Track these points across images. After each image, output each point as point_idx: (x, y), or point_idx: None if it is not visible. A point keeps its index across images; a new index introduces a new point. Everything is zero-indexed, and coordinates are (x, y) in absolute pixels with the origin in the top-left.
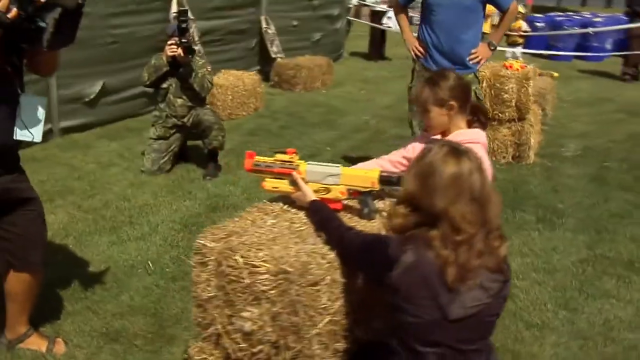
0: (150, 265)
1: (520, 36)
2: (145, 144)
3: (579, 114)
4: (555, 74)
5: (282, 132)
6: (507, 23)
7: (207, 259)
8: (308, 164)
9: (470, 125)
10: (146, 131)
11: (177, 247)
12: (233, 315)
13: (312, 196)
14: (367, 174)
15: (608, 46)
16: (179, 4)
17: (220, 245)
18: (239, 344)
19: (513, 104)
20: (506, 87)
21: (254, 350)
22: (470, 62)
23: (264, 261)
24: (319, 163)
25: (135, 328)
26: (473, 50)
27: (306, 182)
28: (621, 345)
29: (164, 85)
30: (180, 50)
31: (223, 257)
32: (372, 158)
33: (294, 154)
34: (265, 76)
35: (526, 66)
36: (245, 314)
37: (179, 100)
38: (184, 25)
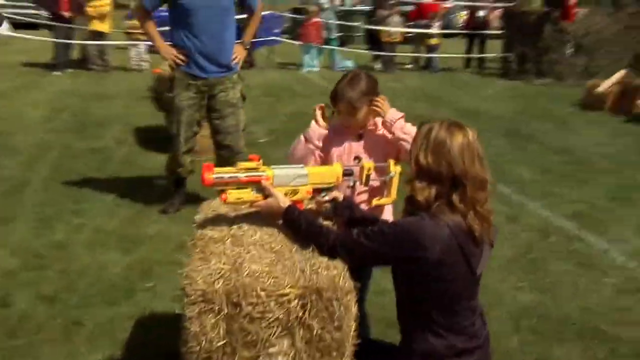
0: None
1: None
2: None
3: None
4: None
5: None
6: (256, 22)
7: (213, 304)
8: (274, 168)
9: None
10: None
11: None
12: (257, 355)
13: (287, 201)
14: (331, 169)
15: None
16: None
17: (225, 286)
18: None
19: None
20: None
21: None
22: (233, 63)
23: (291, 287)
24: (283, 166)
25: None
26: (233, 51)
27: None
28: None
29: None
30: None
31: (239, 297)
32: (91, 177)
33: (259, 161)
34: None
35: None
36: (273, 350)
37: None
38: None
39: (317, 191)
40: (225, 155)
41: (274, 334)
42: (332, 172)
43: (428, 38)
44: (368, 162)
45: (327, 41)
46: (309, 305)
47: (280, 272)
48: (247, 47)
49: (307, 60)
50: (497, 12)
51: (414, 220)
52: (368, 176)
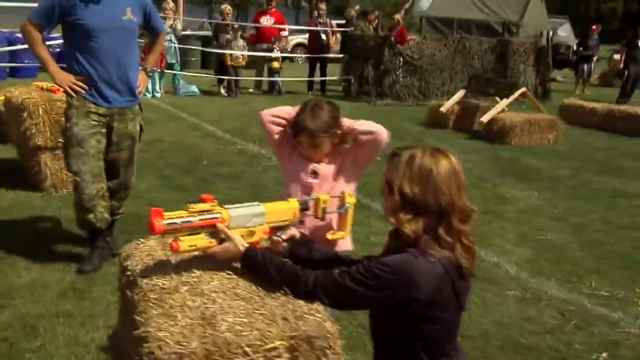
0: None
1: None
2: None
3: None
4: None
5: None
6: (160, 46)
7: None
8: (229, 208)
9: None
10: None
11: None
12: None
13: (244, 244)
14: (288, 205)
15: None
16: None
17: (202, 345)
18: None
19: None
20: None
21: None
22: (137, 92)
23: (280, 339)
24: (238, 205)
25: None
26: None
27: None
28: None
29: None
30: None
31: (223, 356)
32: None
33: (213, 201)
34: None
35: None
36: None
37: None
38: None
39: (273, 230)
40: (113, 189)
41: None
42: (290, 209)
43: (270, 62)
44: (323, 195)
45: (169, 66)
46: (300, 357)
47: (262, 323)
48: (150, 73)
49: (148, 87)
50: (337, 36)
51: (405, 258)
52: (324, 209)
